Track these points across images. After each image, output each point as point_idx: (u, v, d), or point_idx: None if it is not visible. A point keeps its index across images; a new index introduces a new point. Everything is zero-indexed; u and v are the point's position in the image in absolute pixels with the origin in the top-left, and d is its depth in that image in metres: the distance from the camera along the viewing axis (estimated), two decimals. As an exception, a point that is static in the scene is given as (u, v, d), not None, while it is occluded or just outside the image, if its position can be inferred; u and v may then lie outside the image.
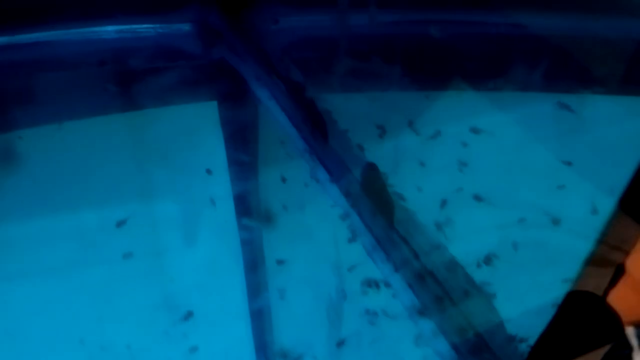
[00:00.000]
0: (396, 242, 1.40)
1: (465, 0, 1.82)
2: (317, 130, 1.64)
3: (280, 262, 1.43)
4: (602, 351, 1.03)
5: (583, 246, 1.20)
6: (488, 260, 1.37)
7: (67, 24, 1.83)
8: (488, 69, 1.77)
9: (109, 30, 1.85)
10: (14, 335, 1.30)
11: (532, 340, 1.17)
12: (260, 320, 1.36)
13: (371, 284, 1.37)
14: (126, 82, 1.77)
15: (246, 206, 1.54)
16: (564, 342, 1.07)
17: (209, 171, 1.59)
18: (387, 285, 1.36)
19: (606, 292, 1.07)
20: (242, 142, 1.68)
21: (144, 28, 1.87)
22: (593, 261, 1.15)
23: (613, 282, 1.06)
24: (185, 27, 1.90)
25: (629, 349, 1.03)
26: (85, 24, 1.84)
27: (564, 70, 1.78)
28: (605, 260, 1.13)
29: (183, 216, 1.53)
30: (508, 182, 1.53)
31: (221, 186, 1.57)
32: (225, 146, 1.65)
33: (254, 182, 1.60)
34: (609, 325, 1.05)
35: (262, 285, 1.41)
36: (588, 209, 1.43)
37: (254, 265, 1.43)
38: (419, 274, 1.34)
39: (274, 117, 1.71)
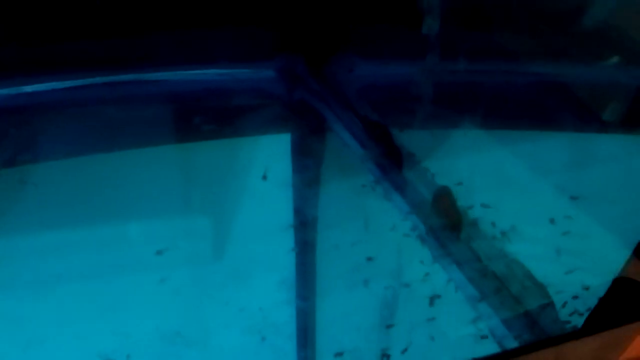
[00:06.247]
0: (463, 252, 1.63)
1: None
2: (391, 160, 1.89)
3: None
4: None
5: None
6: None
7: (172, 66, 2.14)
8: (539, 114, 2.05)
9: (210, 72, 2.17)
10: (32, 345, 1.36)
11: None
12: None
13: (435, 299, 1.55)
14: (218, 117, 2.05)
15: (309, 237, 1.68)
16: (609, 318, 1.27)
17: (274, 197, 1.77)
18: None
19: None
20: (311, 171, 1.88)
21: (239, 72, 2.19)
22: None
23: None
24: (273, 72, 2.21)
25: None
26: (190, 67, 2.15)
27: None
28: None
29: (247, 242, 1.67)
30: (558, 208, 1.77)
31: (286, 211, 1.71)
32: (293, 173, 1.85)
33: (320, 210, 1.75)
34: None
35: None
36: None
37: (309, 289, 1.59)
38: (481, 273, 1.56)
39: (347, 146, 1.95)
